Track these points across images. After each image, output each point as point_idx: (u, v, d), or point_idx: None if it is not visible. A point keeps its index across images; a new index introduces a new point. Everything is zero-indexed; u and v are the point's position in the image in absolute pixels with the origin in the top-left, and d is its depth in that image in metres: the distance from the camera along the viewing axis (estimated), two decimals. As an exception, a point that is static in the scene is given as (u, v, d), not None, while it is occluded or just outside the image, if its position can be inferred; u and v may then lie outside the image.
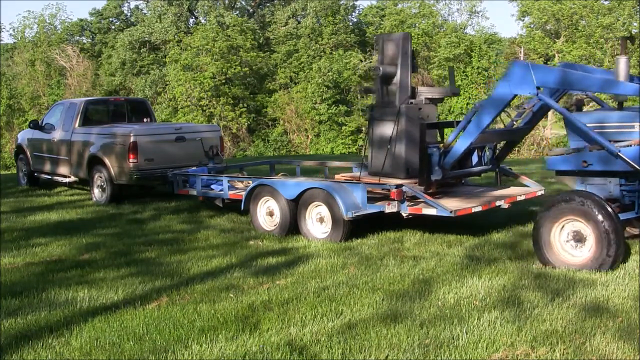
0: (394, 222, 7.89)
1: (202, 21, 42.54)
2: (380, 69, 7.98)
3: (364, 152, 8.60)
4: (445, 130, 9.04)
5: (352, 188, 7.59)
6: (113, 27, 47.46)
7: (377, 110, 8.18)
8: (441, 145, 7.46)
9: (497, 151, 8.35)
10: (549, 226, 6.17)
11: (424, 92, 8.16)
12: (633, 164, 6.03)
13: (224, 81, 36.67)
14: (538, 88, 6.49)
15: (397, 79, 7.99)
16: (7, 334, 4.73)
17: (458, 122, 7.48)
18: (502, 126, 7.97)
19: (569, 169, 6.72)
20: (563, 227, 6.15)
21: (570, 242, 6.15)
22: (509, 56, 40.09)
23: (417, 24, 39.13)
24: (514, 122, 7.74)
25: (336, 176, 8.73)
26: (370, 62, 38.99)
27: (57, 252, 7.44)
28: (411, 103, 7.97)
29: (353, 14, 44.24)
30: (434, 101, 8.23)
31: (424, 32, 37.65)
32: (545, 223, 6.19)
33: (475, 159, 7.85)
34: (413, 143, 7.74)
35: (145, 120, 12.47)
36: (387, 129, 7.96)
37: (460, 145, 7.20)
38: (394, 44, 8.05)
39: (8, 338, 4.65)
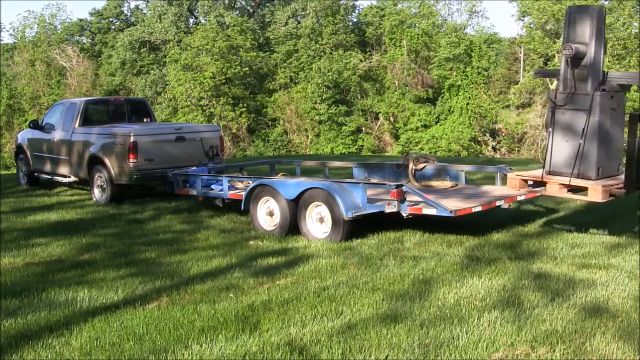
0: (394, 222, 7.89)
1: (202, 21, 42.58)
2: (572, 47, 6.71)
3: (545, 147, 7.35)
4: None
5: (352, 188, 7.59)
6: (113, 27, 47.53)
7: (561, 98, 6.95)
8: None
9: None
10: None
11: (616, 78, 6.95)
12: None
13: (224, 81, 36.72)
14: None
15: (588, 60, 6.76)
16: (7, 334, 4.73)
17: None
18: None
19: None
20: None
21: None
22: (508, 56, 40.08)
23: (417, 24, 39.13)
24: None
25: (511, 175, 7.66)
26: (370, 62, 39.02)
27: (57, 252, 7.43)
28: (604, 90, 6.80)
29: (353, 14, 44.36)
30: (624, 88, 7.10)
31: (424, 32, 37.65)
32: None
33: None
34: (607, 137, 6.82)
35: (145, 120, 12.47)
36: (575, 120, 6.85)
37: None
38: (587, 18, 6.80)
39: (8, 338, 4.64)
